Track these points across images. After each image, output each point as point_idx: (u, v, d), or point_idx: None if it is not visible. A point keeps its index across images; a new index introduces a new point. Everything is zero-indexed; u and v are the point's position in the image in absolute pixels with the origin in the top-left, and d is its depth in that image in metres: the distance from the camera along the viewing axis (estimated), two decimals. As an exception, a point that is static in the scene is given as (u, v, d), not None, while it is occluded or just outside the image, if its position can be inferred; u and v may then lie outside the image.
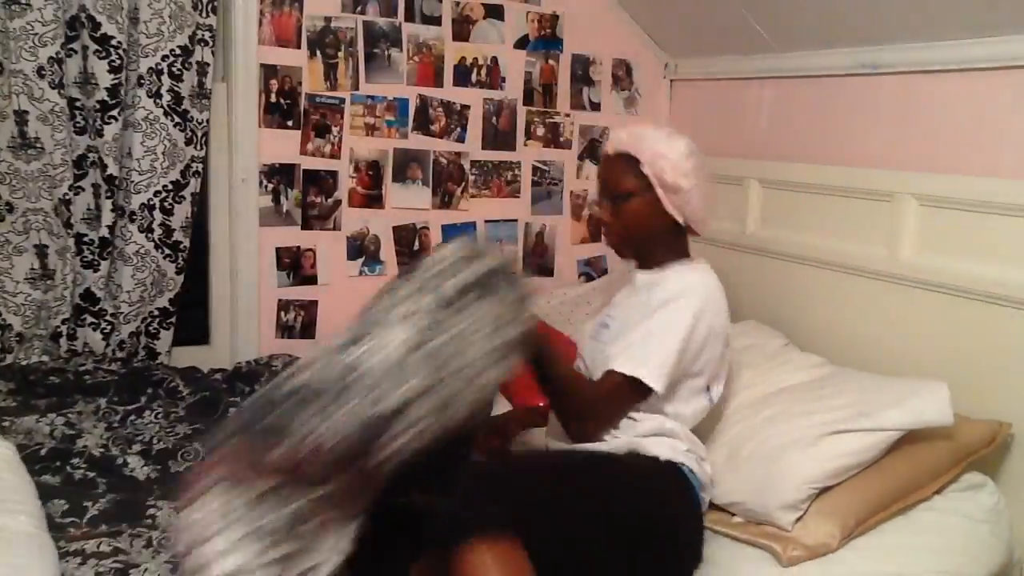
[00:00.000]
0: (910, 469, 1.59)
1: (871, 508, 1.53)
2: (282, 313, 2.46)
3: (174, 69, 2.15)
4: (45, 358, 2.08)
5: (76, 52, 2.04)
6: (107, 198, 2.11)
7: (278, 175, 2.39)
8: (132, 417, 1.83)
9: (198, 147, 2.23)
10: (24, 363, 2.03)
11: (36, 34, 1.97)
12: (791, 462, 1.56)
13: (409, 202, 2.57)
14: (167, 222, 2.21)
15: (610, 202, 1.68)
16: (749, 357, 1.96)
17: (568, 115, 2.76)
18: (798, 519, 1.52)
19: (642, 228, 1.66)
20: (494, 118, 2.65)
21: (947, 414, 1.57)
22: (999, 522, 1.61)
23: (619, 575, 1.40)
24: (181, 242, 2.25)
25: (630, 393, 1.55)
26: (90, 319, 2.17)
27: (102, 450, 1.69)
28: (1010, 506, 1.68)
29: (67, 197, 2.07)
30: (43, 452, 1.63)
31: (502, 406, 1.94)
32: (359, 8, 2.42)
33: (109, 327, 2.19)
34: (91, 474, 1.61)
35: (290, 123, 2.38)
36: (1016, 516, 1.68)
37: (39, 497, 1.37)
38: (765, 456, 1.61)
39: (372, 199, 2.52)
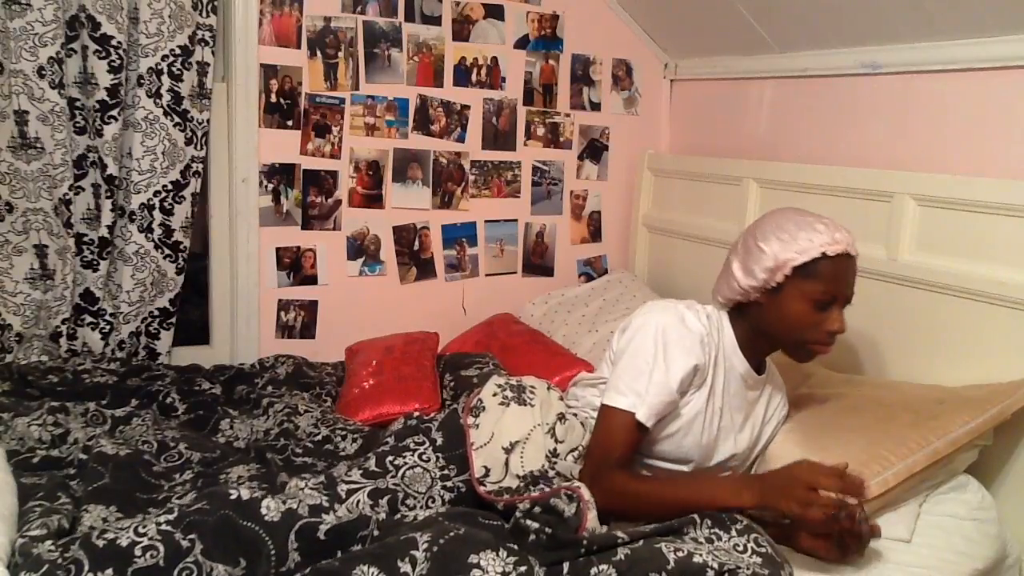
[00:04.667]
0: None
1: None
2: (282, 313, 2.46)
3: (174, 69, 2.15)
4: (44, 358, 2.08)
5: (76, 52, 2.04)
6: (107, 198, 2.12)
7: (278, 175, 2.40)
8: (121, 427, 1.81)
9: (198, 147, 2.23)
10: (23, 363, 2.03)
11: (36, 34, 1.97)
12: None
13: (409, 202, 2.57)
14: (167, 222, 2.22)
15: (841, 308, 1.56)
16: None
17: (568, 115, 2.76)
18: None
19: None
20: (494, 118, 2.65)
21: None
22: (985, 519, 1.60)
23: None
24: (181, 242, 2.25)
25: None
26: (90, 319, 2.17)
27: (89, 443, 1.69)
28: (1004, 504, 1.67)
29: (67, 197, 2.07)
30: (35, 460, 1.63)
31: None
32: (359, 8, 2.42)
33: (109, 327, 2.19)
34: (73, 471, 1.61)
35: (290, 123, 2.39)
36: (1009, 515, 1.67)
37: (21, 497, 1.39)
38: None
39: (372, 199, 2.52)
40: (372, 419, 1.99)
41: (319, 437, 1.81)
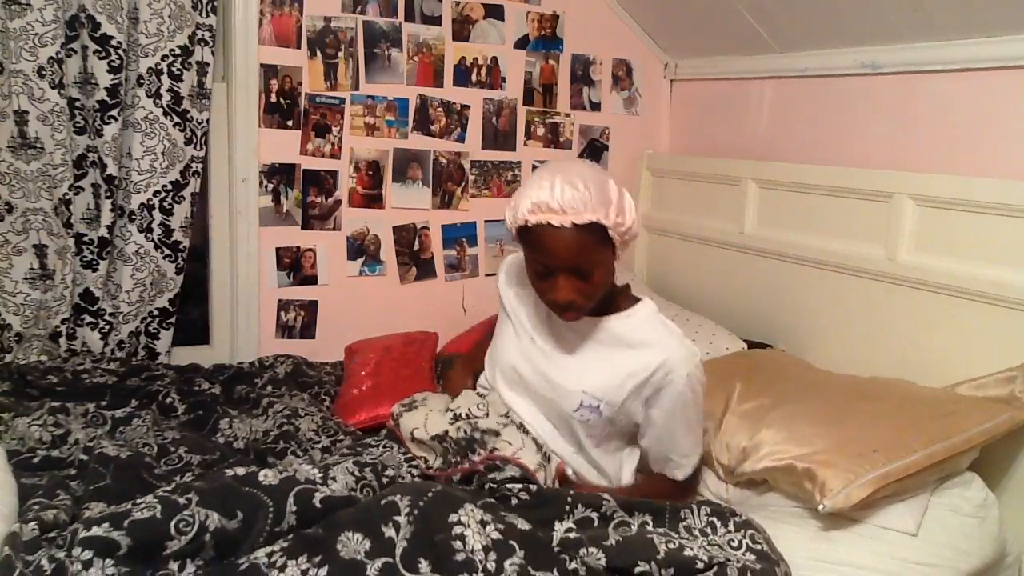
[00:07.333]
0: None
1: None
2: (282, 313, 2.46)
3: (174, 69, 2.15)
4: (44, 358, 2.08)
5: (76, 52, 2.05)
6: (107, 198, 2.12)
7: (278, 175, 2.40)
8: (121, 428, 1.81)
9: (198, 147, 2.24)
10: (22, 362, 2.03)
11: (36, 34, 1.97)
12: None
13: (409, 202, 2.57)
14: (167, 222, 2.22)
15: (576, 278, 1.42)
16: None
17: (568, 115, 2.76)
18: None
19: (604, 291, 1.49)
20: (494, 118, 2.65)
21: None
22: (987, 517, 1.60)
23: None
24: (181, 242, 2.25)
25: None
26: (89, 319, 2.17)
27: (89, 443, 1.69)
28: (1005, 503, 1.67)
29: (67, 197, 2.07)
30: (36, 460, 1.62)
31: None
32: (359, 8, 2.42)
33: (108, 327, 2.19)
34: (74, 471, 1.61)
35: (290, 123, 2.39)
36: (1010, 514, 1.67)
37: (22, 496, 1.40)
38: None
39: (372, 199, 2.52)
40: (368, 420, 2.00)
41: (319, 447, 1.81)
